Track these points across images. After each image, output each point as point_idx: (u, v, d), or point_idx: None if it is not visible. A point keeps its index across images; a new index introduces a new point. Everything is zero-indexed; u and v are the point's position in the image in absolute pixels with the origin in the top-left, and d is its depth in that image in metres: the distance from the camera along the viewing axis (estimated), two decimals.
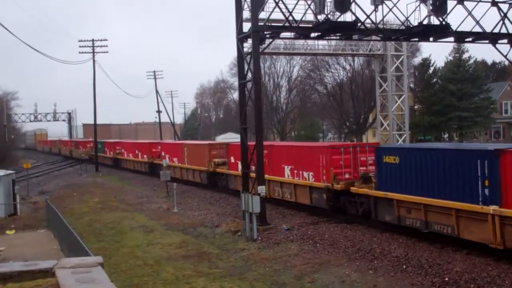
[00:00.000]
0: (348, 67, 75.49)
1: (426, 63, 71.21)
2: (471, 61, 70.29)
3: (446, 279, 16.35)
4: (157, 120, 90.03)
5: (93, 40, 66.91)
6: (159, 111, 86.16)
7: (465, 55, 68.73)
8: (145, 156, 58.03)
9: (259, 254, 21.54)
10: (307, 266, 19.11)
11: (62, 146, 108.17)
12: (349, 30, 28.74)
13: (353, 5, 27.19)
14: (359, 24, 27.69)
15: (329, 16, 27.22)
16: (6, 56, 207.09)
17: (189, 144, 49.03)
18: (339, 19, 27.24)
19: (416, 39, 34.20)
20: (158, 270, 19.64)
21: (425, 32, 29.73)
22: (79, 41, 67.12)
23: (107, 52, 68.30)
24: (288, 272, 18.67)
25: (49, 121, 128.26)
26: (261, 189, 25.43)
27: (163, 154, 51.98)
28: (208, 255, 21.74)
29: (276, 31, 28.08)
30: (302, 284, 17.36)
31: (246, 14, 27.62)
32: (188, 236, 26.07)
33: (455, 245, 19.50)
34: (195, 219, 30.54)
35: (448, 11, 29.03)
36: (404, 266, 18.04)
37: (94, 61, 67.18)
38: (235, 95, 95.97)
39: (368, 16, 28.18)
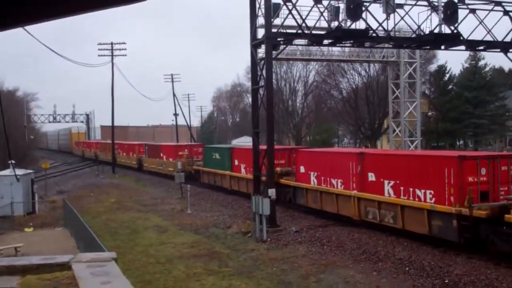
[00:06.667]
0: (363, 73, 75.95)
1: (441, 70, 71.42)
2: (487, 68, 70.45)
3: (446, 281, 16.90)
4: (174, 123, 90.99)
5: (112, 43, 68.07)
6: (176, 114, 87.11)
7: (481, 63, 68.90)
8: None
9: (267, 254, 22.19)
10: (313, 267, 19.72)
11: (120, 151, 75.66)
12: (361, 38, 29.32)
13: (365, 13, 27.77)
14: (370, 32, 28.24)
15: (341, 23, 27.83)
16: (26, 58, 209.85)
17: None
18: (351, 27, 27.83)
19: (428, 47, 34.69)
20: (169, 268, 20.39)
21: (436, 40, 30.18)
22: (99, 44, 68.49)
23: (125, 55, 69.40)
24: (295, 272, 19.30)
25: (68, 122, 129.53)
26: (271, 192, 26.10)
27: None
28: (219, 255, 22.43)
29: (289, 38, 28.74)
30: (307, 283, 17.99)
31: (261, 20, 28.24)
32: (200, 236, 26.79)
33: (457, 248, 20.10)
34: (207, 220, 31.26)
35: (459, 20, 29.48)
36: (407, 268, 18.60)
37: (112, 64, 68.36)
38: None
39: (380, 24, 28.70)
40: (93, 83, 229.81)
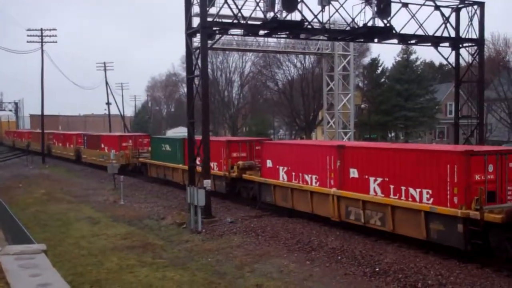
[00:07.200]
0: (299, 64, 76.63)
1: (374, 63, 72.94)
2: (418, 62, 72.51)
3: (377, 269, 17.36)
4: (107, 112, 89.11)
5: (41, 29, 65.79)
6: (108, 103, 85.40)
7: (413, 56, 70.73)
8: None
9: (202, 245, 22.09)
10: (248, 257, 19.79)
11: (56, 141, 71.45)
12: (296, 29, 29.46)
13: (301, 4, 27.91)
14: (306, 23, 28.42)
15: (277, 14, 27.87)
16: None
17: None
18: (287, 18, 27.90)
19: (361, 40, 35.29)
20: (102, 260, 19.94)
21: (370, 33, 30.75)
22: (27, 30, 65.83)
23: (56, 42, 67.11)
24: (230, 263, 19.29)
25: None
26: (207, 182, 25.97)
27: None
28: (153, 246, 22.13)
29: (224, 28, 28.56)
30: (242, 273, 18.00)
31: (196, 9, 27.92)
32: (133, 227, 26.35)
33: (388, 238, 20.59)
34: (141, 211, 30.81)
35: (392, 14, 30.10)
36: (339, 257, 18.98)
37: (42, 50, 66.11)
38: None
39: (315, 16, 28.94)
40: (22, 71, 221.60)
